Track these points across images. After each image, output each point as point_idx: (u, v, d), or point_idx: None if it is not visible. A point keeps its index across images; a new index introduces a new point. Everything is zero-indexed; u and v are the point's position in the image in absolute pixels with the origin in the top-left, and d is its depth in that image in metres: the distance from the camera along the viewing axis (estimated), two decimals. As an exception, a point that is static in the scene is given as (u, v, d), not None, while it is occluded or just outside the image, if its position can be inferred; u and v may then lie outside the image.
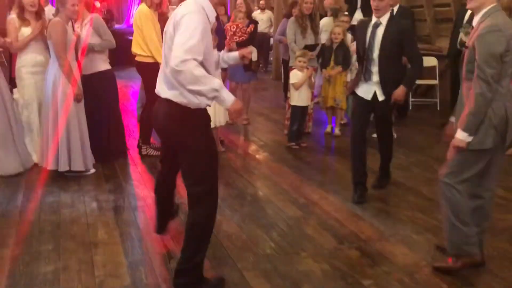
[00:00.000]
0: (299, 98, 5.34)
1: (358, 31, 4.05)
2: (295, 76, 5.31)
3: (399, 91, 3.78)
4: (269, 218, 3.62)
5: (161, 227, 3.15)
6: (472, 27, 2.71)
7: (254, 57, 6.03)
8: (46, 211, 3.68)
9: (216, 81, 2.40)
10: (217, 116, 4.76)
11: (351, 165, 4.02)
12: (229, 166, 4.76)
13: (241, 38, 5.70)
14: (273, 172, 4.74)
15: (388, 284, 2.77)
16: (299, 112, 5.37)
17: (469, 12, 5.58)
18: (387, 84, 3.80)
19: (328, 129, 5.95)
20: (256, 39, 6.25)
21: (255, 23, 6.10)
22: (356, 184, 3.96)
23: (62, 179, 4.26)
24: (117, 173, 4.55)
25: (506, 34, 2.52)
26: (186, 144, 2.56)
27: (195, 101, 2.49)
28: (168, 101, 2.53)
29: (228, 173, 4.53)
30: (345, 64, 5.55)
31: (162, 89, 2.58)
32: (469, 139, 2.61)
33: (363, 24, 3.96)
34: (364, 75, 3.89)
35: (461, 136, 2.63)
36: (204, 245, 2.64)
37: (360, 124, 3.97)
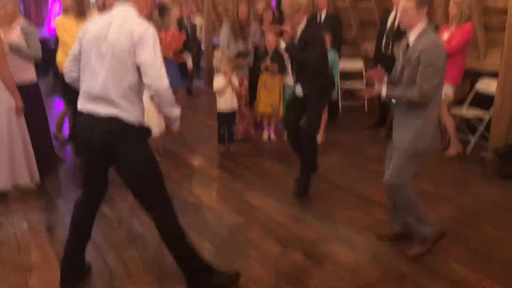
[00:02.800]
0: (224, 103, 5.35)
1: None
2: (217, 82, 5.29)
3: None
4: (212, 227, 3.59)
5: (68, 278, 2.73)
6: (408, 44, 2.97)
7: (190, 64, 5.94)
8: (-30, 235, 3.40)
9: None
10: (152, 127, 4.63)
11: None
12: (168, 176, 4.57)
13: (178, 47, 5.60)
14: (213, 180, 4.71)
15: (333, 282, 2.85)
16: (225, 117, 5.40)
17: (391, 17, 5.89)
18: (305, 84, 4.18)
19: (265, 135, 5.96)
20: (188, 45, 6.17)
21: (185, 29, 6.04)
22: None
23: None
24: (47, 189, 4.30)
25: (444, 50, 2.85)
26: (135, 157, 2.56)
27: (140, 116, 2.55)
28: (113, 118, 2.47)
29: (167, 183, 4.35)
30: (281, 69, 5.63)
31: (102, 107, 2.48)
32: (383, 94, 3.07)
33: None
34: (292, 75, 4.40)
35: (384, 91, 3.06)
36: (185, 241, 2.70)
37: (289, 114, 4.42)
